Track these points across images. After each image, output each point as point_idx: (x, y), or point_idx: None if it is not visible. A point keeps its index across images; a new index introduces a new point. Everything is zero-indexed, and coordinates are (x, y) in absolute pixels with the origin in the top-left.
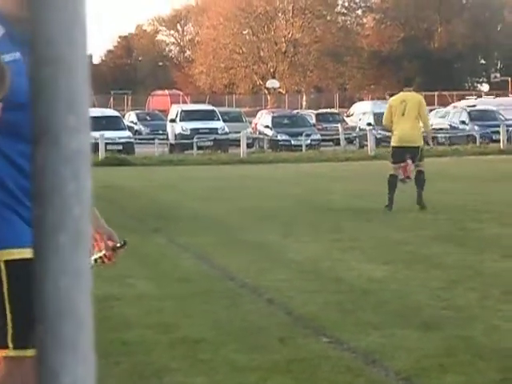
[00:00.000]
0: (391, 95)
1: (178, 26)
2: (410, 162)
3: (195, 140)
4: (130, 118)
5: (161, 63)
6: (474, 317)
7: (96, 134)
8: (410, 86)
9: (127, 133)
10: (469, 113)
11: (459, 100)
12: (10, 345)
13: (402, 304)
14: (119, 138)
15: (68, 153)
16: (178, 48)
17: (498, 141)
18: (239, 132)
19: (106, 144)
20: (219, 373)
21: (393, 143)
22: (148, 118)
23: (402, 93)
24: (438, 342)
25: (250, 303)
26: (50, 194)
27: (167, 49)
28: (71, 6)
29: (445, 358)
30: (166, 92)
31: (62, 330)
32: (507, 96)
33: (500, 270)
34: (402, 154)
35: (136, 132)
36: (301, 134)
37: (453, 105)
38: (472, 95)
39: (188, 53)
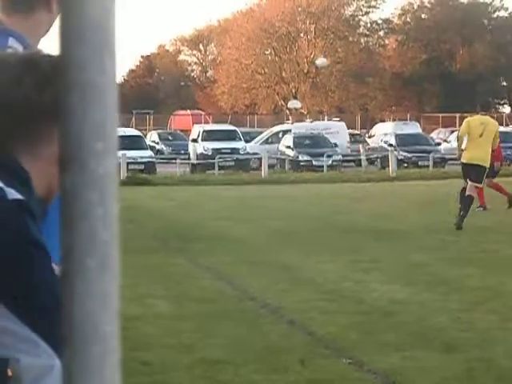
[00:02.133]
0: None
1: (201, 46)
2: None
3: (217, 160)
4: (152, 137)
5: (183, 83)
6: (495, 339)
7: (118, 153)
8: (485, 111)
9: (149, 152)
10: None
11: None
12: None
13: (422, 326)
14: (141, 157)
15: (95, 178)
16: (200, 68)
17: None
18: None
19: (128, 164)
20: None
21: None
22: (170, 137)
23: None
24: (459, 364)
25: (271, 324)
26: (78, 219)
27: (189, 69)
28: (101, 32)
29: (466, 380)
30: (188, 112)
31: (88, 353)
32: None
33: None
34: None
35: (158, 152)
36: (322, 155)
37: None
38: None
39: (210, 73)
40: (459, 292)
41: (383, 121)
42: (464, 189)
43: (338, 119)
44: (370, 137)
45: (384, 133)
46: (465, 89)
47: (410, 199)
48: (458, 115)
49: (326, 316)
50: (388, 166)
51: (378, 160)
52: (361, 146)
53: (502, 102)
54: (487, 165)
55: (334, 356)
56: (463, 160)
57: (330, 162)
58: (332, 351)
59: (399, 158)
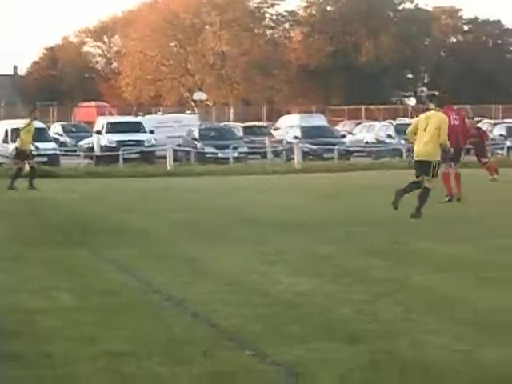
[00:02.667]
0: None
1: (105, 38)
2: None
3: (121, 152)
4: (56, 129)
5: (87, 75)
6: (399, 330)
7: None
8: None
9: (52, 144)
10: (395, 126)
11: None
12: None
13: (326, 317)
14: (44, 149)
15: None
16: (104, 60)
17: None
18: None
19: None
20: None
21: None
22: (74, 129)
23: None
24: (363, 355)
25: (175, 316)
26: None
27: (93, 60)
28: None
29: (369, 371)
30: (93, 104)
31: None
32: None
33: (424, 283)
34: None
35: (61, 144)
36: (228, 147)
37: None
38: (399, 109)
39: (115, 64)
40: (364, 283)
41: (289, 113)
42: (415, 181)
43: (190, 112)
44: (275, 129)
45: (290, 125)
46: (370, 81)
47: (315, 191)
48: (363, 107)
49: (231, 308)
50: (293, 159)
51: (284, 152)
52: (266, 138)
53: (408, 95)
54: (435, 158)
55: (237, 348)
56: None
57: (236, 154)
58: (236, 343)
59: (305, 150)
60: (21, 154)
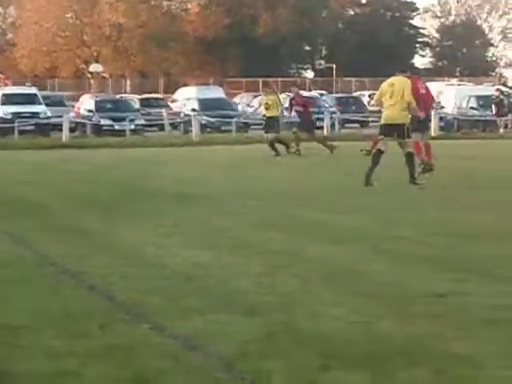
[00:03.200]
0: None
1: (0, 9)
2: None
3: (16, 124)
4: None
5: None
6: (296, 302)
7: None
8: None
9: None
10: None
11: (285, 86)
12: None
13: (224, 290)
14: None
15: None
16: None
17: (321, 127)
18: (62, 116)
19: None
20: (38, 359)
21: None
22: None
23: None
24: (260, 327)
25: (71, 289)
26: None
27: None
28: None
29: (266, 343)
30: None
31: None
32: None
33: (322, 255)
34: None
35: None
36: (125, 119)
37: None
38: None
39: (10, 36)
40: (261, 256)
41: (186, 85)
42: (379, 150)
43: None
44: (172, 101)
45: (187, 97)
46: (268, 53)
47: (213, 164)
48: (261, 80)
49: (128, 281)
50: (191, 131)
51: (182, 125)
52: (164, 110)
53: (306, 67)
54: (406, 121)
55: (134, 321)
56: (382, 121)
57: (133, 126)
58: (133, 316)
59: (202, 122)
60: None
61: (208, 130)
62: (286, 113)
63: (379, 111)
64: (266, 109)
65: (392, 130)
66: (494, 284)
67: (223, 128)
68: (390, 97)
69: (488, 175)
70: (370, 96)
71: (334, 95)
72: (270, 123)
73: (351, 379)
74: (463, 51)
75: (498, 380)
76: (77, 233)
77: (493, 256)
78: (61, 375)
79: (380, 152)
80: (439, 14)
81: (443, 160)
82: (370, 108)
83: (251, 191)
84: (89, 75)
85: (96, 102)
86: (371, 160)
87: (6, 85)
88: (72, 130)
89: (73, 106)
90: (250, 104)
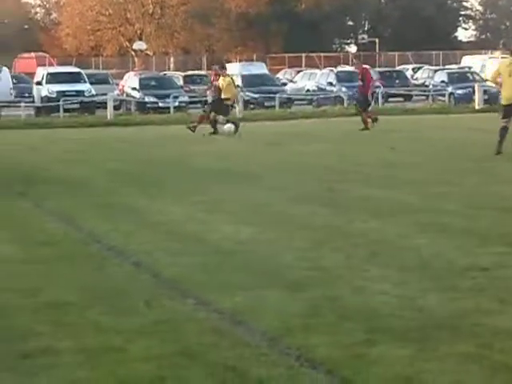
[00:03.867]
0: None
1: None
2: None
3: (61, 103)
4: None
5: (26, 26)
6: (340, 277)
7: None
8: None
9: None
10: (336, 74)
11: (327, 61)
12: None
13: (268, 265)
14: None
15: None
16: (44, 10)
17: None
18: (106, 94)
19: None
20: (85, 336)
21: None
22: (14, 81)
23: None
24: (304, 302)
25: (117, 266)
26: None
27: (33, 11)
28: None
29: (310, 318)
30: (32, 55)
31: None
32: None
33: (366, 230)
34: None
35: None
36: (168, 96)
37: None
38: (340, 57)
39: (54, 15)
40: (304, 231)
41: (229, 61)
42: (504, 127)
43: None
44: None
45: (230, 74)
46: (311, 28)
47: (256, 140)
48: (304, 55)
49: (172, 257)
50: (235, 107)
51: None
52: (207, 87)
53: (348, 42)
54: None
55: (179, 297)
56: (502, 102)
57: (177, 103)
58: (177, 292)
59: (246, 98)
60: None
61: (251, 106)
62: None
63: (423, 85)
64: (220, 90)
65: (510, 111)
66: None
67: (266, 104)
68: (509, 76)
69: None
70: (413, 70)
71: (377, 69)
72: (221, 105)
73: (396, 353)
74: (506, 24)
75: None
76: (121, 210)
77: None
78: (107, 351)
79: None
80: None
81: (490, 133)
82: (414, 82)
83: (294, 166)
84: (132, 53)
85: (140, 79)
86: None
87: (52, 64)
88: (116, 108)
89: (117, 84)
90: (292, 79)
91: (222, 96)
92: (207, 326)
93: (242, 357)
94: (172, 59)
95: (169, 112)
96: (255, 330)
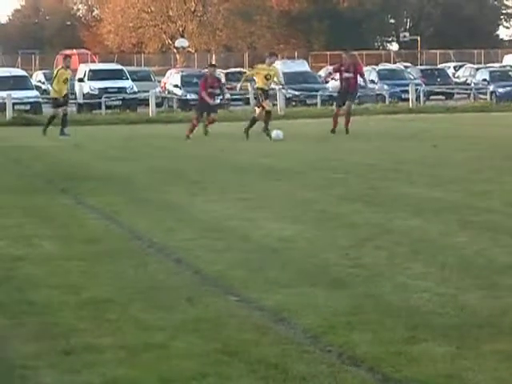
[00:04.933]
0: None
1: None
2: None
3: (103, 99)
4: (38, 77)
5: (69, 22)
6: (382, 275)
7: (3, 93)
8: None
9: (35, 92)
10: (378, 72)
11: (369, 59)
12: None
13: (310, 262)
14: (27, 97)
15: None
16: (85, 7)
17: (407, 99)
18: (148, 91)
19: (14, 104)
20: (126, 332)
21: None
22: None
23: None
24: (346, 300)
25: (158, 263)
26: None
27: (75, 8)
28: None
29: (352, 316)
30: (74, 51)
31: None
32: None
33: (408, 228)
34: None
35: (44, 92)
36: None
37: None
38: (381, 54)
39: (96, 12)
40: (347, 228)
41: None
42: None
43: None
44: None
45: None
46: (352, 26)
47: (298, 137)
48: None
49: (213, 254)
50: (277, 105)
51: None
52: (249, 84)
53: (390, 40)
54: None
55: (221, 294)
56: None
57: (219, 100)
58: (219, 289)
59: (287, 96)
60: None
61: (293, 103)
62: None
63: (464, 83)
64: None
65: None
66: None
67: (308, 101)
68: None
69: None
70: (455, 68)
71: (419, 67)
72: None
73: (438, 351)
74: None
75: None
76: (163, 207)
77: None
78: (149, 348)
79: None
80: None
81: None
82: (455, 80)
83: (336, 164)
84: (174, 50)
85: (182, 76)
86: None
87: (93, 61)
88: (158, 105)
89: (159, 81)
90: (334, 77)
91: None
92: (249, 323)
93: (284, 354)
94: (214, 56)
95: None
96: (297, 328)
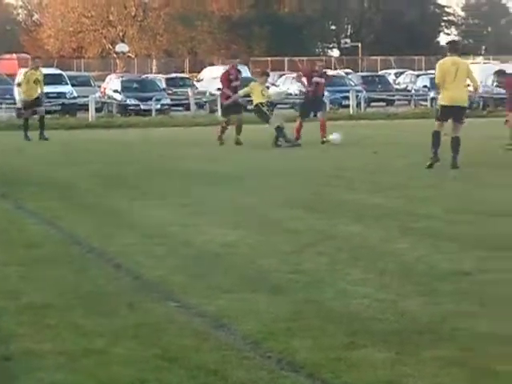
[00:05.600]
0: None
1: None
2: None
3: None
4: None
5: (8, 27)
6: (323, 281)
7: None
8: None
9: None
10: None
11: (310, 65)
12: None
13: (251, 268)
14: None
15: None
16: (26, 12)
17: (347, 106)
18: (88, 96)
19: None
20: (66, 338)
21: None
22: None
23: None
24: (287, 306)
25: (98, 268)
26: None
27: (15, 12)
28: None
29: (292, 322)
30: (14, 56)
31: None
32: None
33: (349, 234)
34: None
35: None
36: (150, 99)
37: None
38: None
39: (36, 16)
40: (288, 234)
41: (212, 64)
42: (436, 131)
43: None
44: (198, 81)
45: (213, 76)
46: (293, 32)
47: (245, 143)
48: (286, 59)
49: (154, 260)
50: (217, 110)
51: (207, 104)
52: (189, 90)
53: (331, 46)
54: (467, 104)
55: (161, 299)
56: (443, 102)
57: (159, 106)
58: (160, 295)
59: None
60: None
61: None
62: None
63: (405, 90)
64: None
65: (452, 113)
66: None
67: (249, 107)
68: (454, 77)
69: None
70: (396, 74)
71: (360, 74)
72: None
73: (378, 357)
74: (488, 30)
75: None
76: (103, 212)
77: None
78: (88, 354)
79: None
80: None
81: (470, 140)
82: (396, 86)
83: (279, 170)
84: (114, 55)
85: (122, 81)
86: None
87: None
88: (98, 110)
89: (99, 86)
90: (275, 83)
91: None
92: (189, 329)
93: (224, 360)
94: (154, 62)
95: (151, 115)
96: (237, 334)
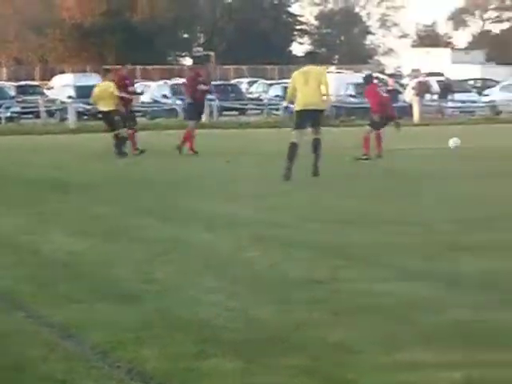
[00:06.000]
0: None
1: None
2: None
3: None
4: None
5: None
6: (173, 289)
7: None
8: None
9: None
10: (171, 86)
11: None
12: None
13: (101, 277)
14: None
15: None
16: None
17: None
18: None
19: None
20: None
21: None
22: None
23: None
24: (136, 315)
25: None
26: None
27: None
28: None
29: (142, 331)
30: None
31: None
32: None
33: (200, 242)
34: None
35: None
36: (0, 107)
37: None
38: (175, 69)
39: None
40: (139, 243)
41: (63, 72)
42: (293, 143)
43: None
44: (49, 88)
45: (63, 84)
46: (146, 41)
47: (89, 151)
48: (138, 67)
49: (1, 269)
50: (67, 119)
51: (58, 112)
52: (40, 97)
53: (183, 54)
54: (324, 108)
55: (8, 310)
56: (298, 108)
57: (8, 113)
58: (7, 304)
59: (79, 110)
60: None
61: (85, 117)
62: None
63: (258, 99)
64: None
65: (310, 117)
66: (371, 270)
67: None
68: (305, 84)
69: (368, 164)
70: (249, 83)
71: (213, 83)
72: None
73: (227, 366)
74: (342, 39)
75: (376, 367)
76: None
77: (372, 243)
78: None
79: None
80: (318, 1)
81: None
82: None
83: (127, 179)
84: None
85: None
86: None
87: None
88: None
89: None
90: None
91: None
92: (37, 339)
93: (72, 370)
94: (4, 69)
95: (0, 122)
96: (86, 343)
